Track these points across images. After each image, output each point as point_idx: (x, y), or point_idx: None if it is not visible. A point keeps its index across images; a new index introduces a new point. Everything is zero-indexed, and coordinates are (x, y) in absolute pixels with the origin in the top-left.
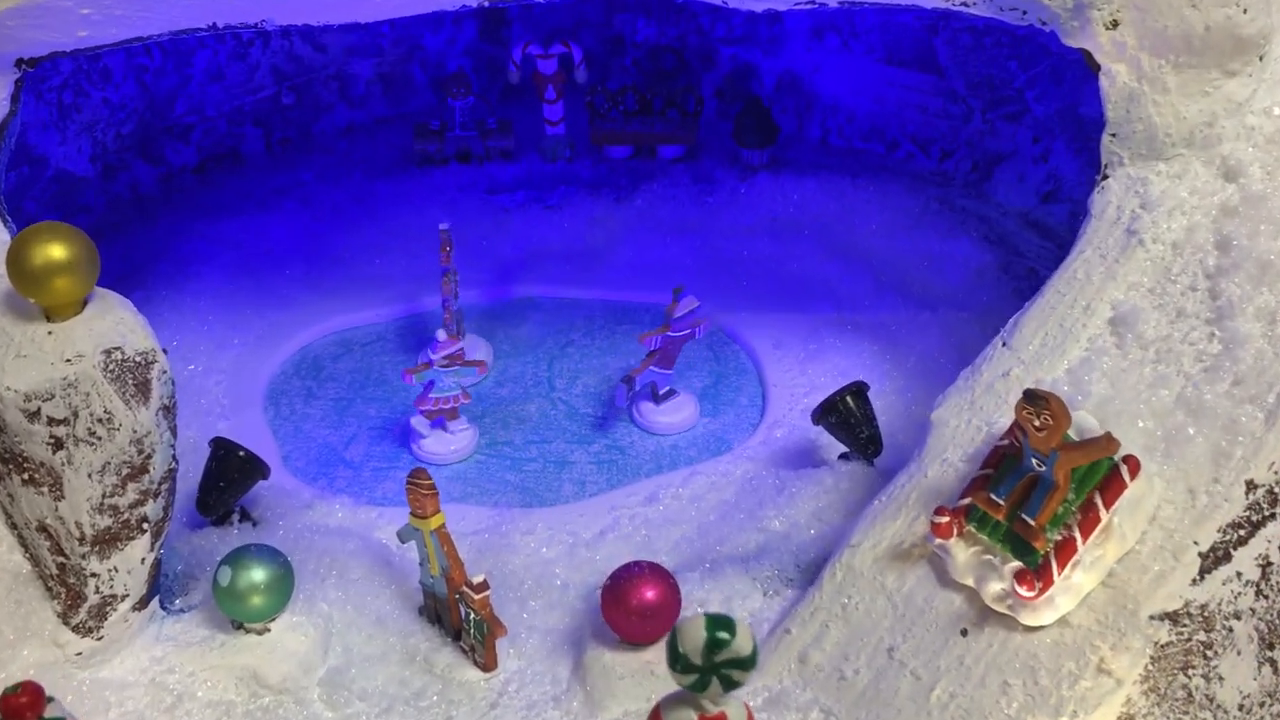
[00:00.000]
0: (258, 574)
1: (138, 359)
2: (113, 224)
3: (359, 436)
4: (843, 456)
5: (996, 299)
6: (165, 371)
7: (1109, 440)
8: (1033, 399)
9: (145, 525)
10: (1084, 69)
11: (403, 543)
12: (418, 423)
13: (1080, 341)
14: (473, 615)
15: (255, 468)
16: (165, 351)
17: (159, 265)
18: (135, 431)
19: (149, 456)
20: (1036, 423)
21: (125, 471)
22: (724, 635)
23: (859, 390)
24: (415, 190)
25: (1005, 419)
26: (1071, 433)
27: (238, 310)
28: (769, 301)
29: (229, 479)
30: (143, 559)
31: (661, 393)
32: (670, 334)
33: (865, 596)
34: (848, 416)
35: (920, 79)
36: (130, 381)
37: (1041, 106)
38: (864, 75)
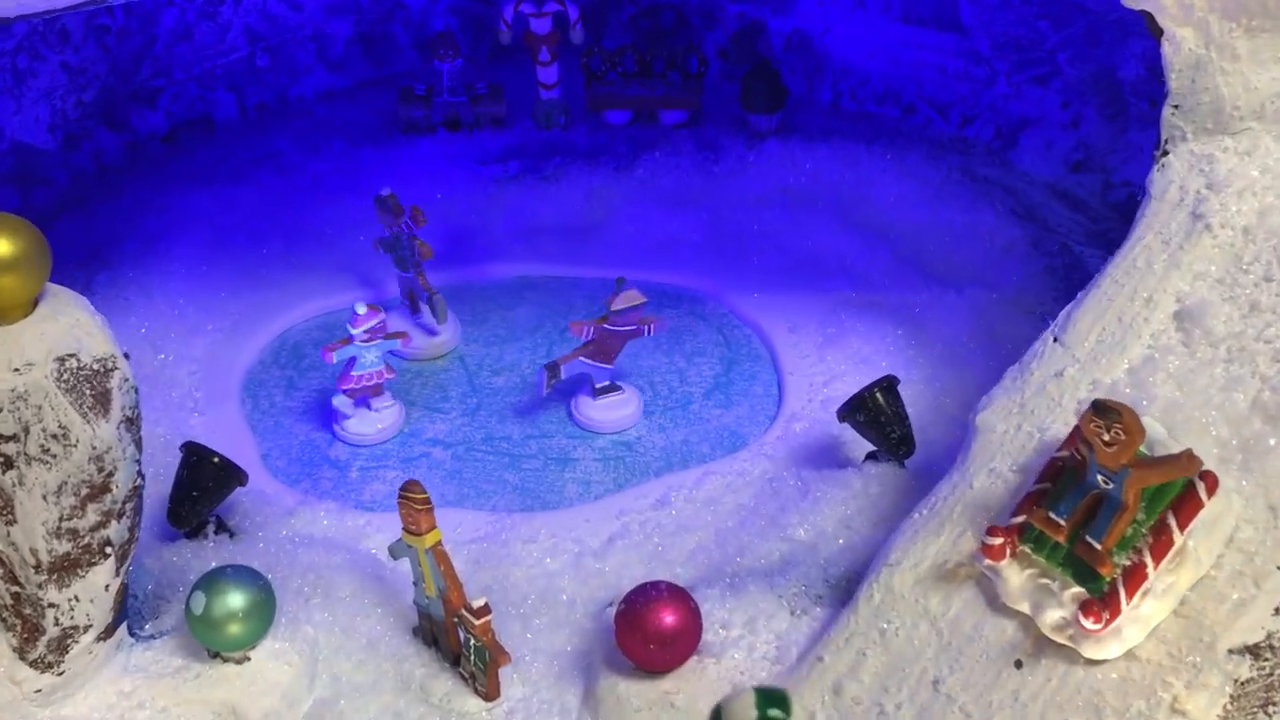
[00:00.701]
0: (235, 600)
1: (96, 366)
2: (75, 198)
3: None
4: (870, 456)
5: (1026, 277)
6: (127, 379)
7: (1189, 459)
8: (1103, 411)
9: (109, 549)
10: (1123, 29)
11: (394, 559)
12: (340, 403)
13: (1142, 338)
14: (473, 641)
15: (231, 475)
16: (127, 356)
17: (126, 243)
18: (94, 448)
19: (110, 474)
20: (1106, 437)
21: (84, 492)
22: (777, 714)
23: (889, 385)
24: (400, 160)
25: (1060, 425)
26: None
27: (211, 292)
28: (781, 279)
29: (202, 488)
30: (107, 586)
31: (598, 387)
32: (609, 327)
33: (906, 621)
34: (877, 415)
35: (940, 39)
36: (88, 392)
37: (1074, 69)
38: (879, 34)
